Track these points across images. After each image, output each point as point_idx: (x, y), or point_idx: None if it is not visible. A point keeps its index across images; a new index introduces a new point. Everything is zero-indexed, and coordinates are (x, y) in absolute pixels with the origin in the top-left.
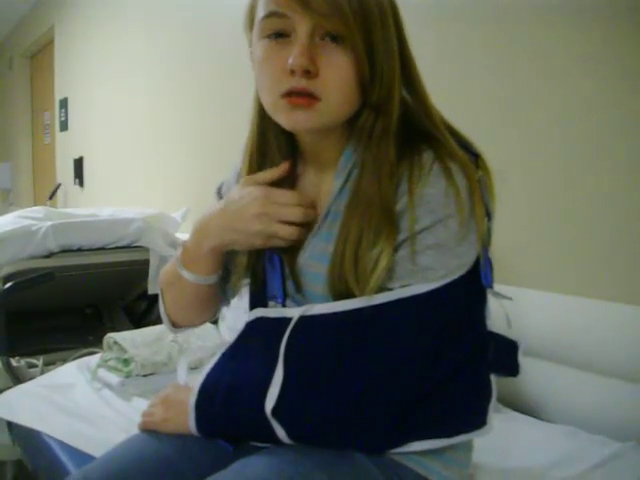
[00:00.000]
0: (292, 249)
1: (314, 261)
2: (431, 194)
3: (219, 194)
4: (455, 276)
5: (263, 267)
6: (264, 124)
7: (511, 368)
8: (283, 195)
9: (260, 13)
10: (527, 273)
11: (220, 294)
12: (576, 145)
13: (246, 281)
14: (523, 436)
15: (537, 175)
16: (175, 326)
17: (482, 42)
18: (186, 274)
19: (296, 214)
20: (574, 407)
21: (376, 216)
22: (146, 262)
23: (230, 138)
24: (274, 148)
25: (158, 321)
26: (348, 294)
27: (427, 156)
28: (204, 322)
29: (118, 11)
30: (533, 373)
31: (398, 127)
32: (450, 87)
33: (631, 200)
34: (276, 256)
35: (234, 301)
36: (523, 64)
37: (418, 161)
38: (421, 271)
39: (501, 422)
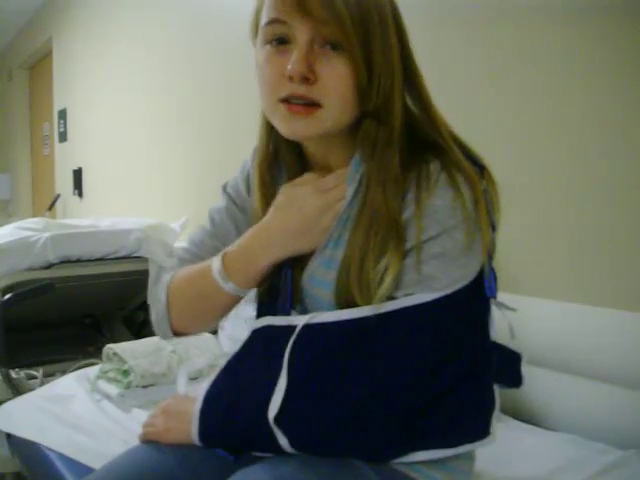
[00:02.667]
0: (303, 258)
1: (322, 267)
2: (438, 205)
3: (225, 191)
4: (459, 286)
5: (277, 277)
6: (274, 131)
7: (514, 379)
8: (328, 180)
9: (263, 20)
10: (527, 280)
11: None
12: (577, 152)
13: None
14: (524, 444)
15: (538, 182)
16: (176, 334)
17: (478, 45)
18: (229, 286)
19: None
20: (575, 415)
21: (382, 228)
22: (145, 272)
23: (229, 148)
24: (285, 154)
25: None
26: (352, 304)
27: (434, 166)
28: (207, 330)
29: (116, 22)
30: (534, 381)
31: (404, 136)
32: (448, 91)
33: (632, 207)
34: (288, 266)
35: (233, 313)
36: (523, 67)
37: (426, 170)
38: (425, 280)
39: (502, 430)
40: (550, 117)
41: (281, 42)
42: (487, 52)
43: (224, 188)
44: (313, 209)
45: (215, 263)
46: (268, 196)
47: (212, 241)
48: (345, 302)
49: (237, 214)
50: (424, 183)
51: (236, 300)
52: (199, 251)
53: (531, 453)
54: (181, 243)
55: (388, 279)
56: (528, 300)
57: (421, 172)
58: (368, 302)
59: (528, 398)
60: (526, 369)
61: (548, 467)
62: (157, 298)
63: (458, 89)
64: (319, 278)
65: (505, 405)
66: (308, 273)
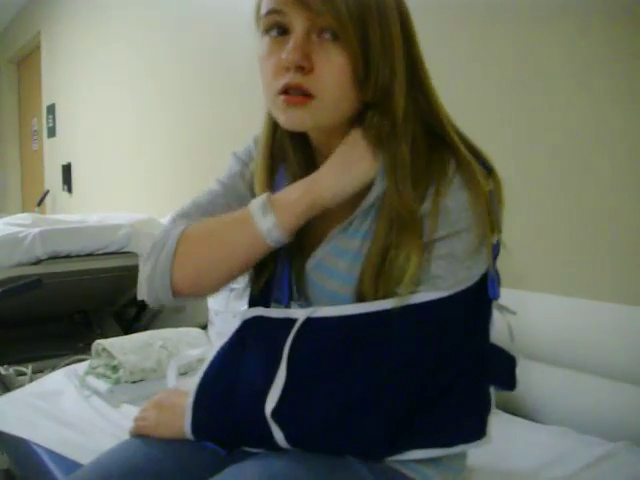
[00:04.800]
0: (303, 248)
1: (334, 256)
2: (451, 207)
3: (236, 156)
4: (463, 286)
5: (271, 267)
6: (277, 124)
7: (508, 382)
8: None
9: (262, 11)
10: (523, 274)
11: None
12: (578, 147)
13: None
14: (516, 438)
15: (539, 177)
16: (175, 293)
17: (478, 45)
18: (267, 221)
19: None
20: (567, 408)
21: (398, 222)
22: (135, 268)
23: (218, 142)
24: (289, 148)
25: (148, 327)
26: (364, 297)
27: (450, 166)
28: (214, 292)
29: (104, 17)
30: (526, 375)
31: (416, 130)
32: (447, 90)
33: (634, 203)
34: (286, 257)
35: (222, 308)
36: (523, 66)
37: (444, 169)
38: (431, 279)
39: (494, 424)
40: (551, 114)
41: (281, 32)
42: (486, 52)
43: (235, 153)
44: (361, 151)
45: (257, 199)
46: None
47: (224, 200)
48: (361, 296)
49: (251, 177)
50: (442, 182)
51: (259, 253)
52: (210, 207)
53: (523, 446)
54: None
55: (410, 273)
56: (521, 294)
57: (440, 170)
58: (383, 297)
59: (521, 392)
60: (522, 364)
61: (539, 460)
62: (159, 248)
63: (457, 89)
64: (329, 267)
65: (498, 399)
66: (316, 260)
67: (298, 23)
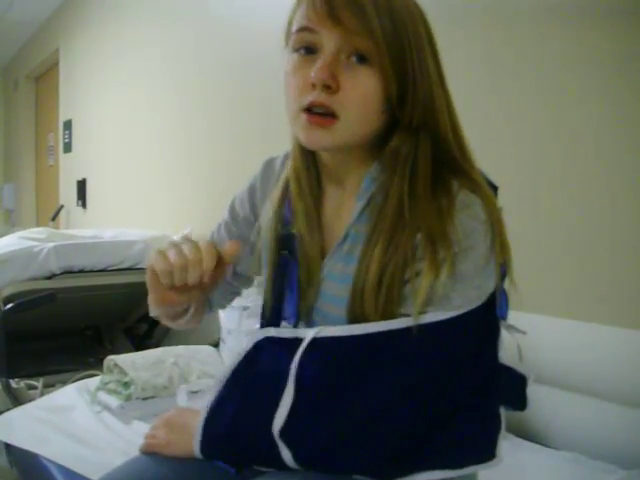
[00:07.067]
0: (310, 270)
1: (332, 282)
2: (455, 225)
3: (233, 209)
4: (472, 306)
5: (281, 288)
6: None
7: (519, 402)
8: None
9: (294, 27)
10: (531, 298)
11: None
12: (580, 172)
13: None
14: (527, 463)
15: (548, 198)
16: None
17: (478, 45)
18: None
19: None
20: (579, 434)
21: (403, 244)
22: None
23: (236, 159)
24: (300, 167)
25: (159, 344)
26: (365, 318)
27: (454, 186)
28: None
29: (122, 35)
30: (537, 399)
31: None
32: None
33: (633, 227)
34: (295, 277)
35: (235, 326)
36: (522, 68)
37: (446, 189)
38: (439, 299)
39: (506, 449)
40: (554, 131)
41: (309, 51)
42: (486, 53)
43: (232, 204)
44: None
45: None
46: (308, 201)
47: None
48: (357, 317)
49: (231, 228)
50: (443, 202)
51: None
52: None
53: (534, 472)
54: None
55: (417, 296)
56: (530, 317)
57: (441, 190)
58: (383, 318)
59: (531, 416)
60: (530, 388)
61: None
62: None
63: (456, 89)
64: (329, 292)
65: (508, 423)
66: (317, 285)
67: (329, 42)
